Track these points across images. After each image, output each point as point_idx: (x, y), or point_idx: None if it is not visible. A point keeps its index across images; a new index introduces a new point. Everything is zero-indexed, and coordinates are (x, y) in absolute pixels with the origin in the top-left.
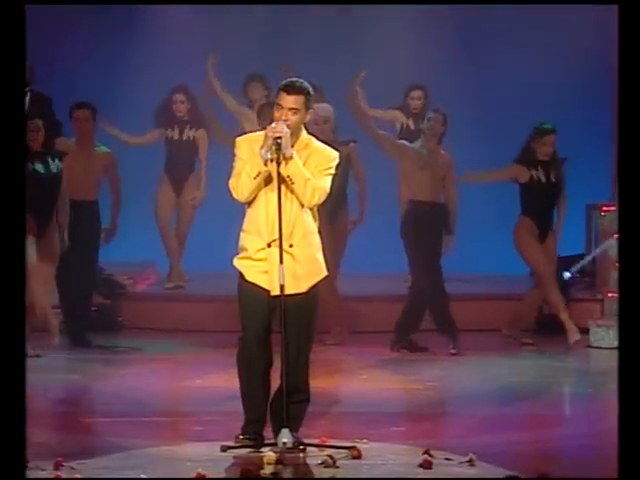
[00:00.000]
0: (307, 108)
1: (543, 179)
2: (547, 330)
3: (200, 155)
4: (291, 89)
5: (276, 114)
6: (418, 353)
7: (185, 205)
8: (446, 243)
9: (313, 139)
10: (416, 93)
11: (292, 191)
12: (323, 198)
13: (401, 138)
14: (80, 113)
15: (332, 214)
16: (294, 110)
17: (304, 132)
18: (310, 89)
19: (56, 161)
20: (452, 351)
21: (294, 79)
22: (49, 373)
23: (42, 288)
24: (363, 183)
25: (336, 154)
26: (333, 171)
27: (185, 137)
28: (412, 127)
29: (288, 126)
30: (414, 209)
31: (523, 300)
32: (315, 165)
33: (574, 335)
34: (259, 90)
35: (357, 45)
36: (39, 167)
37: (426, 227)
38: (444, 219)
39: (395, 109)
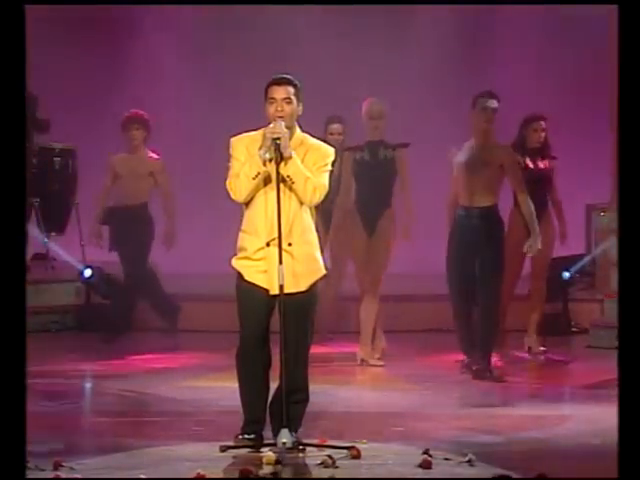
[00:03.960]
0: (299, 100)
1: None
2: (547, 330)
3: None
4: (281, 80)
5: (270, 109)
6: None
7: None
8: None
9: (307, 136)
10: (539, 124)
11: (291, 190)
12: (324, 196)
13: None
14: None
15: (373, 224)
16: (287, 100)
17: (298, 129)
18: (298, 82)
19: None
20: None
21: (280, 74)
22: (50, 373)
23: None
24: (409, 193)
25: (332, 150)
26: (330, 167)
27: None
28: (532, 166)
29: (283, 118)
30: None
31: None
32: (313, 162)
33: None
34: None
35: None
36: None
37: None
38: None
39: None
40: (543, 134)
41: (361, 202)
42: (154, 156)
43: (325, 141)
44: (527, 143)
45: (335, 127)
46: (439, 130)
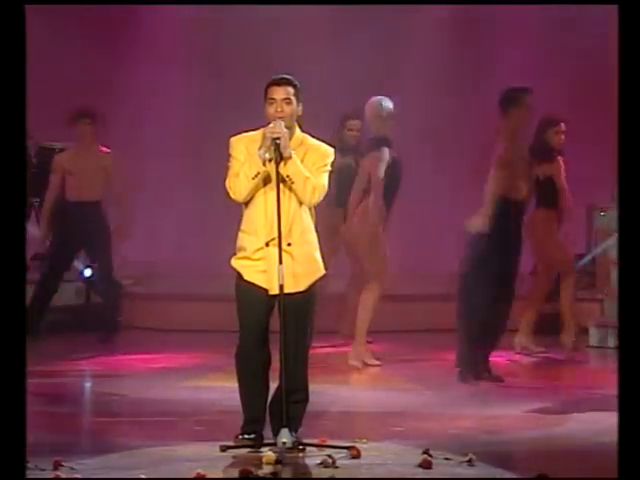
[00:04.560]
0: (298, 100)
1: None
2: (547, 330)
3: None
4: (281, 81)
5: (270, 109)
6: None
7: None
8: None
9: (307, 136)
10: (560, 127)
11: (291, 190)
12: (323, 196)
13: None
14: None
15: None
16: (287, 100)
17: (298, 129)
18: (297, 82)
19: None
20: None
21: (280, 74)
22: (49, 373)
23: None
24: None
25: (331, 150)
26: (329, 167)
27: None
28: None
29: (283, 118)
30: None
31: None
32: (312, 163)
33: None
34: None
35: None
36: None
37: None
38: None
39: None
40: (562, 137)
41: (388, 202)
42: (105, 150)
43: (341, 136)
44: (549, 146)
45: (354, 123)
46: (438, 132)
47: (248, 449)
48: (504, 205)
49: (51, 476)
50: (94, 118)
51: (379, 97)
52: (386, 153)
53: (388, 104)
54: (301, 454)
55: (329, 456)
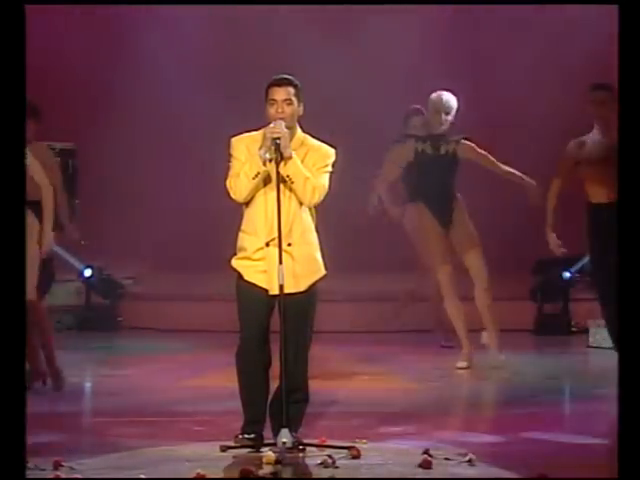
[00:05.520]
0: (299, 100)
1: None
2: (547, 330)
3: None
4: (281, 81)
5: (271, 110)
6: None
7: None
8: None
9: (308, 137)
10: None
11: (291, 190)
12: (323, 196)
13: None
14: None
15: (445, 218)
16: (288, 101)
17: (299, 129)
18: (298, 82)
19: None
20: None
21: (280, 74)
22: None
23: None
24: (503, 166)
25: (332, 151)
26: (330, 168)
27: None
28: None
29: (284, 119)
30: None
31: None
32: (313, 163)
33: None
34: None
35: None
36: None
37: None
38: None
39: None
40: None
41: (426, 196)
42: (45, 149)
43: (405, 133)
44: None
45: (416, 119)
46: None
47: (248, 449)
48: (598, 208)
49: (51, 476)
50: (37, 115)
51: (441, 92)
52: (404, 147)
53: (452, 101)
54: (301, 454)
55: (329, 456)
